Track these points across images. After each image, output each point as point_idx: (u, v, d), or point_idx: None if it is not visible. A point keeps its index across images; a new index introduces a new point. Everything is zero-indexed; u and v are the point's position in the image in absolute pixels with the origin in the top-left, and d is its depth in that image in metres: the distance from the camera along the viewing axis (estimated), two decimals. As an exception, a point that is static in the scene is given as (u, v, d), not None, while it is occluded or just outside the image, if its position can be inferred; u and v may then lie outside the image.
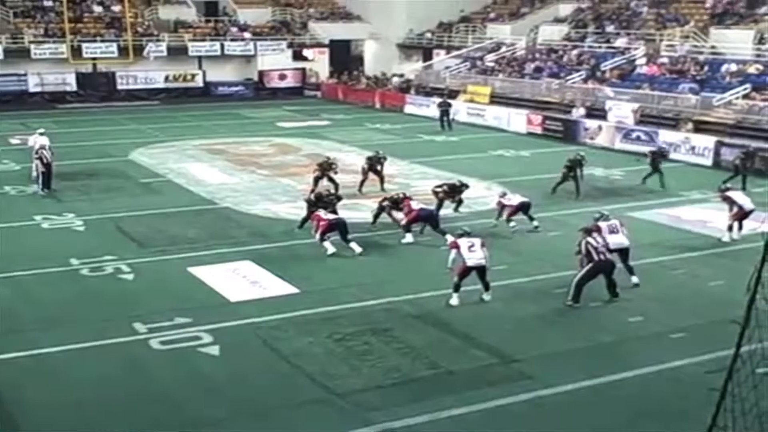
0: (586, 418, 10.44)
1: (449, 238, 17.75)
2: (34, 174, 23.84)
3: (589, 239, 14.38)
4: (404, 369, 11.64)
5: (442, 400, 10.63)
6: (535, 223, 19.23)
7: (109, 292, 15.04)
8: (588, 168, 26.65)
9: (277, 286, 15.23)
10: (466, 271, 14.22)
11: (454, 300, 14.19)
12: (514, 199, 19.41)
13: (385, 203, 19.11)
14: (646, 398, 10.85)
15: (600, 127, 32.77)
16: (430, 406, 10.49)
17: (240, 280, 15.56)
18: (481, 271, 14.27)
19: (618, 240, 15.12)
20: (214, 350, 12.42)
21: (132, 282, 15.58)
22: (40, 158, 23.19)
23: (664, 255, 17.21)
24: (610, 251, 14.61)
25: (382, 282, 15.42)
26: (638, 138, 30.94)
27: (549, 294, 14.74)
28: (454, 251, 14.36)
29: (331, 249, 17.04)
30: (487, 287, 14.40)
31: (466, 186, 20.69)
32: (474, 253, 14.17)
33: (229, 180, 25.13)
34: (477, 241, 14.34)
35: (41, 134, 25.06)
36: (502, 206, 19.56)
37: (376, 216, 19.21)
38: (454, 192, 20.39)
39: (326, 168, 22.44)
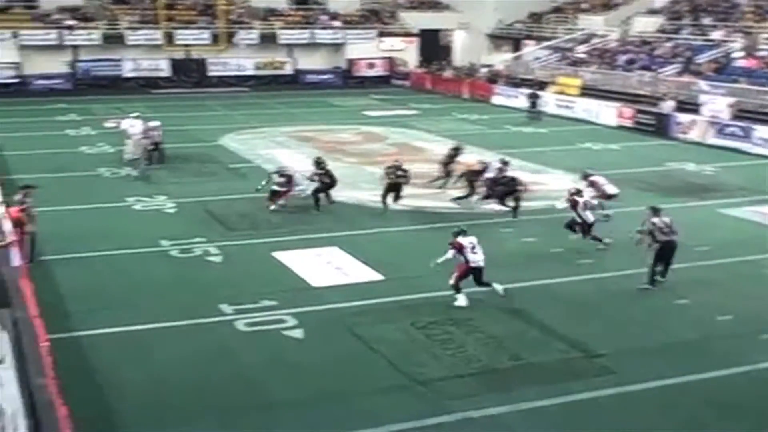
0: (671, 415, 10.24)
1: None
2: (127, 156, 24.62)
3: (654, 219, 14.26)
4: (485, 359, 11.61)
5: (523, 392, 10.57)
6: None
7: (197, 273, 15.39)
8: (679, 162, 26.24)
9: (361, 273, 15.34)
10: (467, 272, 13.77)
11: (462, 301, 13.71)
12: (608, 186, 19.38)
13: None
14: (733, 398, 10.58)
15: (693, 122, 31.92)
16: (511, 397, 10.43)
17: (324, 266, 15.71)
18: (478, 271, 13.83)
19: None
20: (298, 333, 12.61)
21: (220, 264, 15.91)
22: (149, 137, 24.15)
23: (754, 254, 16.65)
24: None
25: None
26: (733, 134, 30.04)
27: (634, 290, 14.47)
28: (452, 251, 13.77)
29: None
30: (489, 284, 13.91)
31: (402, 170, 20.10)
32: (476, 255, 13.72)
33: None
34: (476, 240, 13.90)
35: (135, 117, 25.77)
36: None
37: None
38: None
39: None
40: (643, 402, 10.50)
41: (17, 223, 14.55)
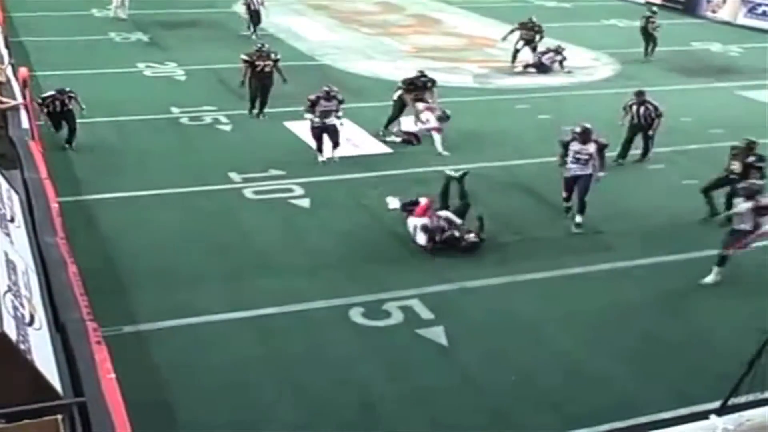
0: (663, 289, 10.39)
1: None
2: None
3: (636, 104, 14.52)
4: (489, 233, 11.66)
5: (522, 265, 10.70)
6: None
7: (206, 141, 15.43)
8: (705, 42, 25.66)
9: (371, 145, 15.35)
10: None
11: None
12: None
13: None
14: (731, 276, 10.61)
15: (724, 0, 30.90)
16: (510, 269, 10.57)
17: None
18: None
19: None
20: (305, 203, 12.73)
21: (230, 133, 15.91)
22: (248, 5, 23.77)
23: (769, 136, 16.48)
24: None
25: (474, 148, 15.28)
26: (764, 13, 29.08)
27: (644, 170, 14.44)
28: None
29: None
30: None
31: None
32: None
33: (330, 37, 25.02)
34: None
35: None
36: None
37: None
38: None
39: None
40: (633, 277, 10.63)
41: (26, 84, 14.50)
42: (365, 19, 28.01)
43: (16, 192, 9.26)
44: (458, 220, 11.36)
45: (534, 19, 22.05)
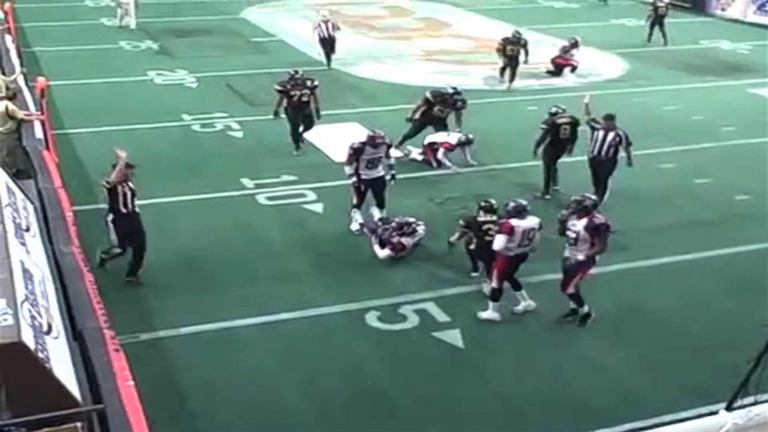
0: (676, 290, 10.38)
1: None
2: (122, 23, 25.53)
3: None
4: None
5: (534, 266, 10.58)
6: None
7: (218, 148, 15.46)
8: (714, 41, 25.57)
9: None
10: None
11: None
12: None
13: None
14: (745, 274, 10.63)
15: (735, -4, 30.76)
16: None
17: (347, 142, 15.63)
18: None
19: None
20: (318, 208, 12.76)
21: (241, 139, 15.96)
22: (317, 28, 21.62)
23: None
24: None
25: (486, 150, 15.25)
26: (775, 10, 28.96)
27: (655, 169, 14.35)
28: None
29: None
30: None
31: None
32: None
33: (340, 41, 24.97)
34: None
35: None
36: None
37: None
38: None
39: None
40: (650, 277, 10.60)
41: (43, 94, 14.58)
42: (374, 23, 28.02)
43: (31, 202, 9.34)
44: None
45: (518, 33, 20.20)
